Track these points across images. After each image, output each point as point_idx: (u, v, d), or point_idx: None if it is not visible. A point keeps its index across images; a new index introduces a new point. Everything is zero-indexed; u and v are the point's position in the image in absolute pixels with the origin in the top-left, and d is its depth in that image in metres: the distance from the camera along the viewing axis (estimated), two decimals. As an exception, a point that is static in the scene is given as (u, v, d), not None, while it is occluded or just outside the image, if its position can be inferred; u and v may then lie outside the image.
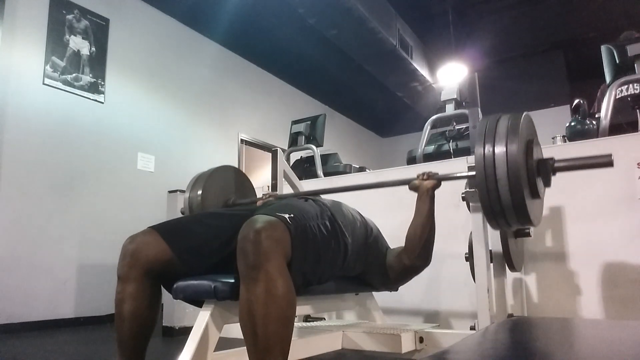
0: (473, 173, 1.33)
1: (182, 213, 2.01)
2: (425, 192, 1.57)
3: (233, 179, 2.09)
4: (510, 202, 1.20)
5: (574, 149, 2.14)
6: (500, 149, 1.20)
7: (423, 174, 1.60)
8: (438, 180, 1.58)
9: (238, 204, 2.02)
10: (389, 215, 2.12)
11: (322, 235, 1.30)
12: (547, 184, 1.32)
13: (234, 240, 1.31)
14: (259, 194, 2.09)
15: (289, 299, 1.07)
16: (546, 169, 1.28)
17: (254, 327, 1.04)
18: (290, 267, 1.13)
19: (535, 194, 1.27)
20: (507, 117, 1.28)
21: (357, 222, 1.57)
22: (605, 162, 1.26)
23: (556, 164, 1.29)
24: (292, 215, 1.21)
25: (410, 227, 1.59)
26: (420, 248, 1.57)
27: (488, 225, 1.60)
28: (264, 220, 1.12)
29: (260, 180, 6.44)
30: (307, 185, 2.49)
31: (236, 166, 2.14)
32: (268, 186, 2.36)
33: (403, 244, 1.64)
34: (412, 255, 1.58)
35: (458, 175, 1.54)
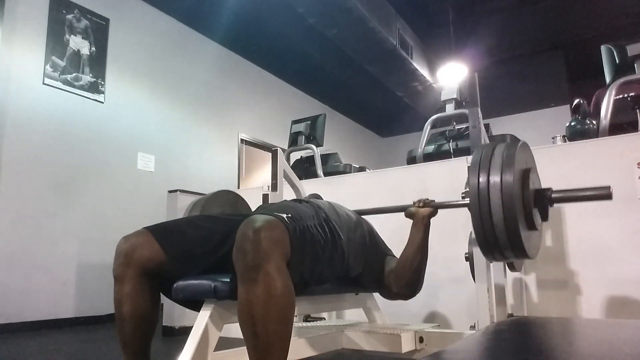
0: (467, 202, 1.31)
1: None
2: (421, 219, 1.55)
3: (230, 202, 2.13)
4: (504, 234, 1.16)
5: (574, 149, 2.14)
6: (494, 179, 1.18)
7: (419, 201, 1.59)
8: (434, 208, 1.57)
9: None
10: (388, 217, 2.12)
11: (319, 237, 1.29)
12: (545, 217, 1.28)
13: (226, 243, 1.32)
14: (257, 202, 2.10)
15: (288, 299, 1.07)
16: (543, 201, 1.25)
17: (254, 327, 1.04)
18: (288, 267, 1.12)
19: (532, 226, 1.23)
20: (502, 145, 1.26)
21: (351, 222, 1.55)
22: (604, 194, 1.23)
23: (554, 195, 1.26)
24: (290, 215, 1.20)
25: (402, 254, 1.57)
26: (408, 277, 1.54)
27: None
28: (263, 219, 1.11)
29: (261, 180, 6.44)
30: (307, 185, 2.49)
31: (233, 191, 2.21)
32: (268, 186, 2.36)
33: (402, 248, 1.62)
34: (401, 283, 1.55)
35: (453, 203, 1.55)
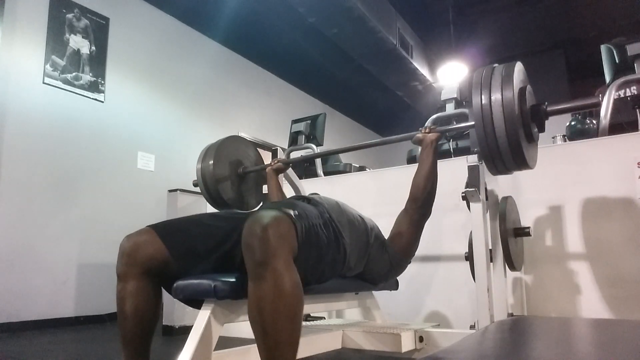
0: (472, 123, 1.37)
1: (195, 185, 2.06)
2: (429, 143, 1.65)
3: (241, 148, 2.18)
4: (507, 145, 1.26)
5: (574, 149, 2.14)
6: (496, 96, 1.27)
7: (425, 127, 1.70)
8: (440, 132, 1.68)
9: (249, 171, 2.11)
10: (388, 214, 2.11)
11: (324, 237, 1.30)
12: (541, 129, 1.37)
13: (229, 240, 1.32)
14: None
15: (296, 295, 1.07)
16: (539, 114, 1.34)
17: (263, 324, 1.04)
18: (295, 263, 1.12)
19: (530, 138, 1.33)
20: (501, 66, 1.34)
21: (355, 221, 1.56)
22: (593, 103, 1.37)
23: (549, 109, 1.34)
24: (297, 212, 1.21)
25: (414, 178, 1.65)
26: (423, 198, 1.62)
27: (488, 225, 1.61)
28: (271, 215, 1.11)
29: (260, 179, 6.45)
30: (307, 185, 2.49)
31: (243, 137, 2.30)
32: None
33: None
34: (416, 205, 1.63)
35: (457, 126, 1.68)
